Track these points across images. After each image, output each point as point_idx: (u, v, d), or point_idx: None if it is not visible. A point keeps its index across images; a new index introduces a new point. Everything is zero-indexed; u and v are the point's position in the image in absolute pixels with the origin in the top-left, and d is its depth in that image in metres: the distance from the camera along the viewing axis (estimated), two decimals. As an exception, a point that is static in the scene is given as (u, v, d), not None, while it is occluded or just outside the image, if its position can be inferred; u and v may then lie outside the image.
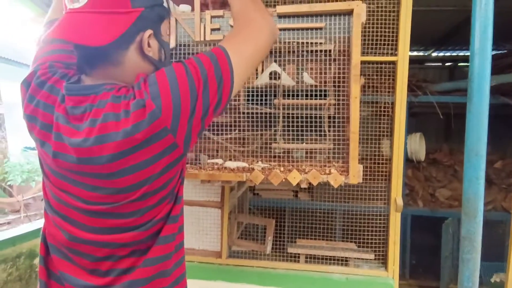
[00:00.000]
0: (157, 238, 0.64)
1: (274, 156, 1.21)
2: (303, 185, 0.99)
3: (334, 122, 1.12)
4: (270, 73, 1.17)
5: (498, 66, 2.82)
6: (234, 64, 0.64)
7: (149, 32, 0.64)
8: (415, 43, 3.07)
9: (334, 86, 1.11)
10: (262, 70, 1.13)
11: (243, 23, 0.72)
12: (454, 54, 4.07)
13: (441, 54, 4.11)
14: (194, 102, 0.60)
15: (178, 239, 0.69)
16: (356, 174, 0.95)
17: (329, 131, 1.13)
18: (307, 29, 1.00)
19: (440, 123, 3.85)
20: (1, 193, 4.12)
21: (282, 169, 1.01)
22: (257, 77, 1.10)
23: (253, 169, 1.01)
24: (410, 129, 3.05)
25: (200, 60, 0.62)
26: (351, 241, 1.64)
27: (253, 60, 0.70)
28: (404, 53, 1.38)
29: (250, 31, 0.70)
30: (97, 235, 0.63)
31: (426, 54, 4.06)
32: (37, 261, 2.46)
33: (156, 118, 0.56)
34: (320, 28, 0.99)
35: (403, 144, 1.43)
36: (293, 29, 1.01)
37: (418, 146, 3.17)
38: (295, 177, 0.98)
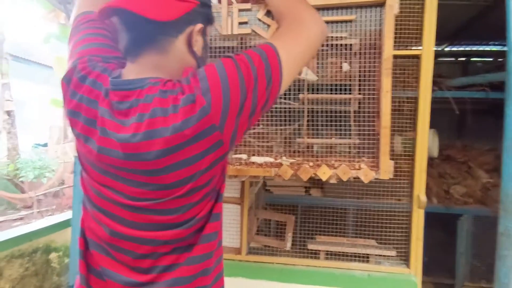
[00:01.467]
0: (200, 236, 0.64)
1: (295, 151, 1.20)
2: (332, 180, 0.97)
3: (359, 116, 1.10)
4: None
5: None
6: (283, 63, 0.63)
7: (199, 26, 0.64)
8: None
9: (360, 80, 1.09)
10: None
11: (292, 20, 0.71)
12: (467, 49, 4.01)
13: (454, 48, 4.05)
14: (243, 100, 0.59)
15: (219, 237, 0.69)
16: (387, 169, 0.93)
17: (354, 125, 1.11)
18: (336, 22, 0.98)
19: (452, 119, 3.80)
20: (14, 189, 4.16)
21: (311, 164, 0.99)
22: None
23: (280, 164, 1.00)
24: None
25: (251, 57, 0.61)
26: (369, 238, 1.62)
27: (302, 59, 0.68)
28: (429, 46, 1.35)
29: (301, 29, 0.69)
30: (139, 231, 0.62)
31: (439, 49, 4.00)
32: (52, 256, 2.49)
33: (205, 114, 0.55)
34: (350, 21, 0.97)
35: (427, 140, 1.41)
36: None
37: (432, 142, 3.14)
38: (324, 172, 0.97)
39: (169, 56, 0.62)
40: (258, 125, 1.19)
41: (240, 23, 1.02)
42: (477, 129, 3.54)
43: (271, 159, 1.05)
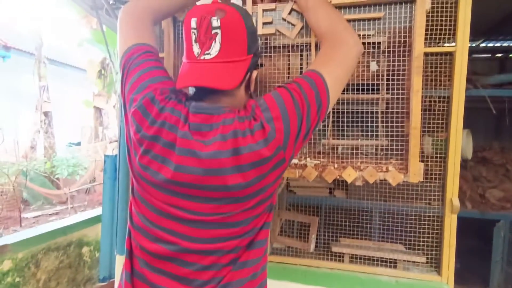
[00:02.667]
0: (253, 243, 0.71)
1: (320, 152, 1.17)
2: (358, 183, 0.95)
3: (387, 117, 1.06)
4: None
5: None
6: (330, 87, 0.72)
7: (255, 73, 0.76)
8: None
9: (388, 79, 1.05)
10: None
11: (333, 44, 0.78)
12: (505, 44, 3.77)
13: (490, 44, 3.82)
14: (300, 124, 0.68)
15: (266, 244, 0.76)
16: (417, 172, 0.89)
17: (382, 126, 1.08)
18: (364, 19, 0.95)
19: (489, 119, 3.59)
20: (50, 185, 4.41)
21: (336, 165, 0.97)
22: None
23: (305, 165, 0.98)
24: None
25: (302, 86, 0.70)
26: (396, 243, 1.56)
27: (344, 80, 0.78)
28: (464, 43, 1.28)
29: (342, 55, 0.77)
30: (205, 245, 0.68)
31: (473, 45, 3.79)
32: (84, 250, 2.61)
33: (273, 137, 0.65)
34: (378, 18, 0.93)
35: (460, 141, 1.33)
36: (350, 20, 0.96)
37: (465, 143, 2.98)
38: (350, 174, 0.94)
39: (235, 97, 0.74)
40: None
41: (265, 23, 1.01)
42: (518, 130, 3.32)
43: (295, 160, 1.04)
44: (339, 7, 0.96)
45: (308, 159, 1.09)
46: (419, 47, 0.88)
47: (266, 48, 1.07)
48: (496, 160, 3.28)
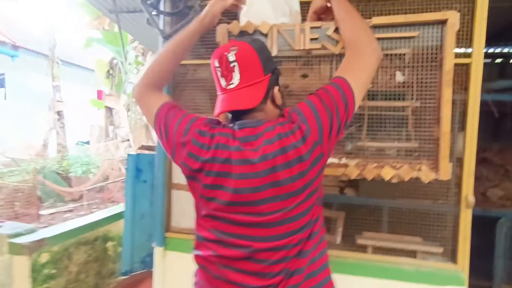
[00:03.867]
0: (312, 234, 0.84)
1: (349, 153, 1.32)
2: (394, 180, 1.08)
3: (415, 122, 1.21)
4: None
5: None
6: (354, 89, 0.84)
7: (276, 88, 0.88)
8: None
9: (417, 89, 1.19)
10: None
11: (356, 53, 0.90)
12: (505, 50, 3.94)
13: (491, 50, 3.99)
14: (331, 121, 0.81)
15: (321, 232, 0.88)
16: (446, 171, 1.03)
17: (411, 130, 1.22)
18: (400, 38, 1.09)
19: (488, 122, 3.76)
20: (63, 183, 4.50)
21: (375, 165, 1.11)
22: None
23: (346, 164, 1.12)
24: (459, 128, 3.02)
25: (329, 90, 0.83)
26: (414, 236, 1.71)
27: (367, 82, 0.90)
28: (479, 55, 1.42)
29: (363, 61, 0.89)
30: (273, 243, 0.80)
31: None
32: (109, 244, 2.73)
33: (309, 135, 0.78)
34: (413, 37, 1.08)
35: (475, 142, 1.48)
36: (388, 39, 1.10)
37: (463, 146, 3.14)
38: (387, 173, 1.08)
39: (265, 112, 0.87)
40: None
41: (312, 39, 1.15)
42: (516, 132, 3.49)
43: (335, 160, 1.18)
44: (379, 26, 1.10)
45: (343, 159, 1.23)
46: (449, 63, 1.02)
47: (308, 57, 1.21)
48: (496, 161, 3.45)
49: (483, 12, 1.37)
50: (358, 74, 0.87)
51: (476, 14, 1.38)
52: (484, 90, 2.88)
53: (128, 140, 4.66)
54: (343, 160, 1.19)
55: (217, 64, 0.85)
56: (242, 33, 1.21)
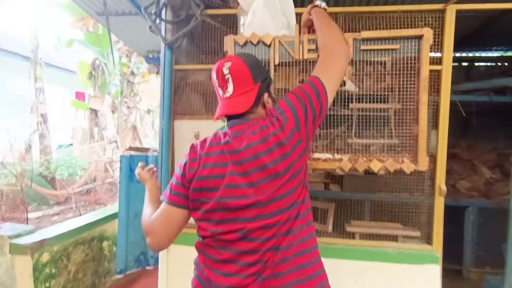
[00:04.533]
0: (299, 214, 0.94)
1: (340, 149, 1.49)
2: (381, 172, 1.27)
3: (397, 121, 1.40)
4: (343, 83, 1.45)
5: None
6: (325, 84, 0.98)
7: (266, 95, 1.01)
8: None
9: (399, 93, 1.39)
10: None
11: (328, 55, 1.06)
12: (470, 55, 4.31)
13: (458, 54, 4.35)
14: (305, 111, 0.94)
15: (308, 215, 0.98)
16: (424, 163, 1.23)
17: (393, 128, 1.41)
18: (384, 50, 1.28)
19: (457, 120, 4.10)
20: (47, 185, 4.44)
21: (365, 159, 1.29)
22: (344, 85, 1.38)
23: (341, 159, 1.29)
24: (432, 126, 3.30)
25: (303, 87, 0.98)
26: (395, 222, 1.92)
27: (337, 80, 1.04)
28: (448, 64, 1.64)
29: (334, 61, 1.04)
30: (264, 221, 0.90)
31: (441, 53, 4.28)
32: (105, 244, 2.78)
33: (286, 123, 0.92)
34: (396, 49, 1.26)
35: (446, 138, 1.70)
36: (374, 50, 1.29)
37: (435, 141, 3.44)
38: (375, 165, 1.26)
39: (256, 114, 1.00)
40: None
41: (309, 50, 1.31)
42: (481, 129, 3.83)
43: (329, 155, 1.35)
44: (368, 39, 1.28)
45: (335, 154, 1.41)
46: (425, 71, 1.22)
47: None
48: (464, 156, 3.79)
49: (451, 28, 1.59)
50: (329, 72, 1.01)
51: (445, 30, 1.60)
52: (453, 92, 3.20)
53: (116, 141, 4.66)
54: (337, 156, 1.36)
55: (214, 77, 1.00)
56: (247, 43, 1.36)
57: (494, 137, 3.86)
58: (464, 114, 3.08)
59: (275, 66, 1.36)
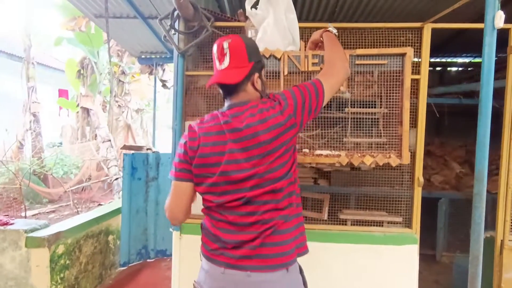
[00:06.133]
0: (290, 183, 1.09)
1: (332, 147, 1.75)
2: (373, 165, 1.53)
3: (384, 123, 1.68)
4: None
5: None
6: (324, 86, 1.13)
7: (256, 75, 1.12)
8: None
9: (386, 99, 1.66)
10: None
11: (331, 66, 1.24)
12: (443, 60, 4.73)
13: (432, 60, 4.75)
14: (303, 103, 1.08)
15: (297, 199, 1.13)
16: (407, 157, 1.50)
17: (381, 129, 1.69)
18: (375, 64, 1.54)
19: (432, 120, 4.49)
20: (42, 184, 4.46)
21: (359, 154, 1.55)
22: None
23: (339, 155, 1.55)
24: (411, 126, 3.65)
25: (306, 84, 1.13)
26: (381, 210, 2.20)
27: (335, 87, 1.19)
28: (425, 73, 1.93)
29: (335, 72, 1.20)
30: (263, 189, 1.04)
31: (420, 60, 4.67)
32: (110, 237, 2.92)
33: (286, 108, 1.05)
34: (384, 64, 1.53)
35: (423, 136, 1.99)
36: (366, 64, 1.55)
37: (414, 139, 3.81)
38: (368, 160, 1.53)
39: (247, 93, 1.11)
40: (316, 129, 1.74)
41: (313, 63, 1.56)
42: (452, 129, 4.23)
43: (329, 152, 1.60)
44: (363, 55, 1.54)
45: (333, 151, 1.66)
46: (407, 82, 1.49)
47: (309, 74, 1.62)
48: (437, 152, 4.18)
49: (427, 43, 1.88)
50: (330, 79, 1.16)
51: (423, 45, 1.89)
52: (427, 95, 3.56)
53: (109, 140, 4.72)
54: (335, 152, 1.62)
55: (215, 50, 1.10)
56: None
57: (464, 136, 4.25)
58: (437, 115, 3.45)
59: (284, 76, 1.59)
